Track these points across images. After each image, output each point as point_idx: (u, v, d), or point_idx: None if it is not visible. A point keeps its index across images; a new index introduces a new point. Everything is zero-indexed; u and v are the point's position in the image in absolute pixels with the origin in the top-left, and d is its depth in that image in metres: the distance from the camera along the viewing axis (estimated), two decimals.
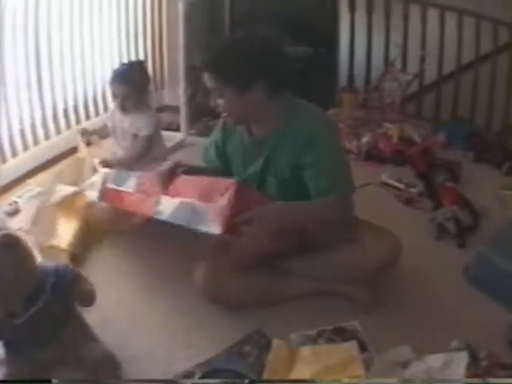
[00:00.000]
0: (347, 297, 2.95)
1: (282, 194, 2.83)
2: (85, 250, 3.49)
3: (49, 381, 2.25)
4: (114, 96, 4.10)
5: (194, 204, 2.63)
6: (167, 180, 2.84)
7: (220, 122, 3.09)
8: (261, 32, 2.74)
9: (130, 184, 3.24)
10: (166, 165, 2.89)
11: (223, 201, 2.52)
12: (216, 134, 3.11)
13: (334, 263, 2.92)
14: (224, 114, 2.86)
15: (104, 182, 3.53)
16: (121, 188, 3.31)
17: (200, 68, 2.76)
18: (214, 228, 2.49)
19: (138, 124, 4.08)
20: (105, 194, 3.51)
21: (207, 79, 2.73)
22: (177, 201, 2.74)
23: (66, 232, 3.50)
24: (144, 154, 4.16)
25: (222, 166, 3.12)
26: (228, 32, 5.18)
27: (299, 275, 3.01)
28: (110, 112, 4.34)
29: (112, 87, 4.10)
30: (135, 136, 4.10)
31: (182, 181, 2.86)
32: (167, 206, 2.77)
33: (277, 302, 2.98)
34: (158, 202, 2.86)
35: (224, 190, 2.56)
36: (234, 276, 2.90)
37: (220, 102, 2.74)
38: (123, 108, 4.05)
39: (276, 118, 2.82)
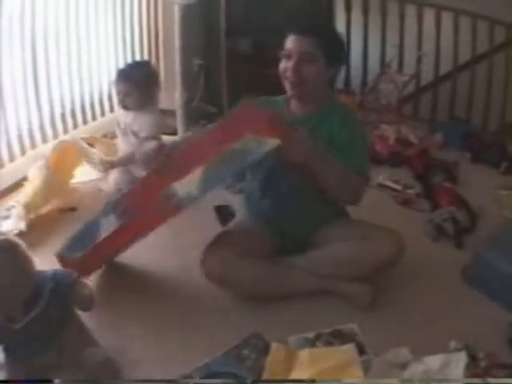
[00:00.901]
0: (346, 295, 2.97)
1: None
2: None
3: (51, 381, 2.25)
4: (117, 93, 4.12)
5: (228, 151, 2.58)
6: (157, 158, 2.77)
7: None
8: None
9: (108, 226, 2.91)
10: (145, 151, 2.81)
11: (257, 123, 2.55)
12: None
13: (339, 259, 2.98)
14: (291, 81, 2.93)
15: (62, 258, 3.08)
16: (96, 241, 2.92)
17: (298, 30, 2.90)
18: (271, 143, 2.50)
19: (140, 122, 4.10)
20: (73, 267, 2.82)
21: (301, 41, 2.88)
22: (198, 171, 2.63)
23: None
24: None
25: None
26: (224, 36, 5.18)
27: (305, 271, 3.03)
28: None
29: (115, 85, 4.13)
30: (135, 134, 4.12)
31: (186, 154, 2.84)
32: (189, 185, 2.65)
33: (281, 294, 3.01)
34: (171, 194, 2.68)
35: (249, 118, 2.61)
36: (243, 263, 2.93)
37: (307, 68, 2.87)
38: (124, 106, 4.08)
39: (318, 100, 3.04)
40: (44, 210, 3.78)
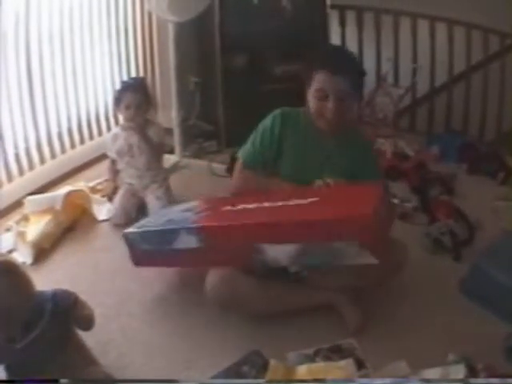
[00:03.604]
0: (343, 316, 2.96)
1: None
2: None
3: (56, 381, 2.25)
4: (126, 107, 4.07)
5: (326, 245, 2.49)
6: None
7: (277, 116, 3.15)
8: None
9: (185, 242, 2.85)
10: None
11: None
12: (274, 127, 3.14)
13: (347, 270, 2.92)
14: (331, 122, 2.95)
15: (131, 245, 3.22)
16: (173, 248, 2.93)
17: (333, 69, 2.88)
18: (370, 259, 2.42)
19: (152, 131, 4.16)
20: (141, 258, 3.22)
21: (339, 81, 2.87)
22: (293, 246, 2.55)
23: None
24: (156, 158, 4.30)
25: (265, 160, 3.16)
26: (219, 54, 5.19)
27: (312, 285, 3.03)
28: (111, 137, 4.32)
29: (122, 98, 4.07)
30: (142, 151, 4.18)
31: (278, 211, 2.71)
32: (280, 253, 2.60)
33: (286, 310, 3.00)
34: (259, 250, 2.63)
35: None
36: (247, 282, 2.91)
37: (344, 105, 2.92)
38: (133, 119, 4.10)
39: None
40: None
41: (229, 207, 2.95)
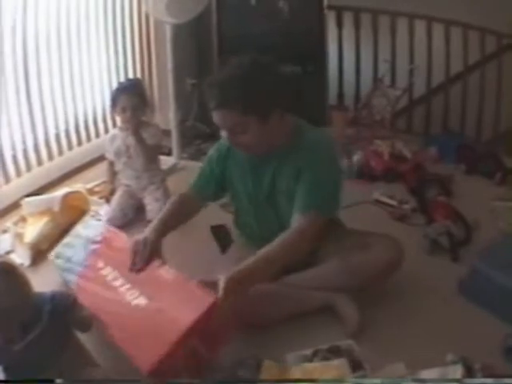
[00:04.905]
0: (341, 317, 2.94)
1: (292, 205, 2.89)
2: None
3: (52, 381, 2.25)
4: (122, 110, 4.08)
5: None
6: None
7: (221, 145, 3.12)
8: (259, 56, 2.74)
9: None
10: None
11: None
12: (218, 154, 3.13)
13: (342, 271, 2.95)
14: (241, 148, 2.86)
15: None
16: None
17: (216, 108, 2.68)
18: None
19: (148, 133, 4.15)
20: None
21: (226, 118, 2.69)
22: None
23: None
24: (151, 160, 4.29)
25: (215, 189, 3.18)
26: (216, 55, 5.20)
27: (310, 287, 2.99)
28: (109, 138, 4.33)
29: (121, 100, 4.06)
30: (137, 151, 4.17)
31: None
32: None
33: (286, 315, 2.97)
34: None
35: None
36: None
37: (244, 137, 2.73)
38: (129, 121, 4.09)
39: (283, 135, 2.88)
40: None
41: (101, 269, 2.95)
